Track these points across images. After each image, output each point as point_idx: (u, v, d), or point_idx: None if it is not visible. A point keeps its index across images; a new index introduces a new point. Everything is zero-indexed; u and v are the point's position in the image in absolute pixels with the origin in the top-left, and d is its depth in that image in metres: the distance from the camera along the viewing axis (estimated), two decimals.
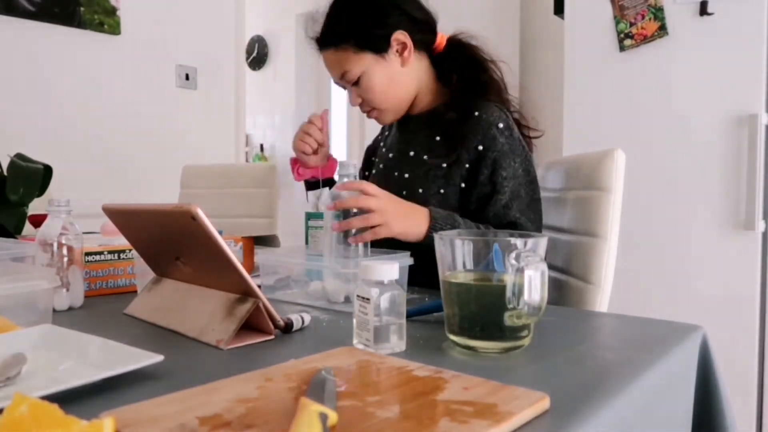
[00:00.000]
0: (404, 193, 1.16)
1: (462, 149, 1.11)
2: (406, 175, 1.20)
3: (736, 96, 1.76)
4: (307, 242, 1.16)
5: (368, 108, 1.21)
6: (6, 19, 2.38)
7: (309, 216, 1.16)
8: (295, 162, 1.27)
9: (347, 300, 0.90)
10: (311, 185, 1.30)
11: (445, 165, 1.13)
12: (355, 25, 1.14)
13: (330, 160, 1.27)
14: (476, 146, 1.11)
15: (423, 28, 1.19)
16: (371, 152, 1.44)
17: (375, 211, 0.95)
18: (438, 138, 1.17)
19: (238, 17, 3.23)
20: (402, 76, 1.18)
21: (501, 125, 1.11)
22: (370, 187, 0.97)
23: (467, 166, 1.11)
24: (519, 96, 1.25)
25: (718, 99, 1.79)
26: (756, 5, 1.73)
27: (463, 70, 1.19)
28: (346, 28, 1.15)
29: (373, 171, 1.34)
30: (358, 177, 1.03)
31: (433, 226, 1.00)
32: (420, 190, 1.15)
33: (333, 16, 1.17)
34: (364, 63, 1.14)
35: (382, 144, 1.37)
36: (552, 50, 2.64)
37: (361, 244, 0.97)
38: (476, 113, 1.12)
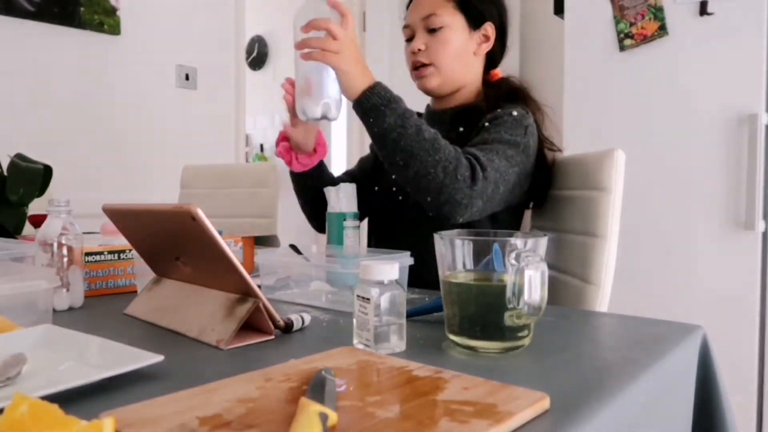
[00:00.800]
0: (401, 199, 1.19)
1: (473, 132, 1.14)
2: (400, 197, 1.21)
3: (736, 96, 1.76)
4: (334, 242, 1.15)
5: (426, 60, 1.20)
6: (6, 19, 2.38)
7: (343, 216, 1.15)
8: (288, 151, 1.23)
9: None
10: (296, 176, 1.27)
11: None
12: None
13: (320, 146, 1.25)
14: (483, 124, 1.12)
15: (502, 40, 1.25)
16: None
17: (338, 39, 0.96)
18: (461, 129, 1.19)
19: (238, 17, 3.23)
20: (469, 59, 1.21)
21: (515, 113, 1.12)
22: (338, 28, 0.98)
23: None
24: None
25: (718, 99, 1.79)
26: (756, 5, 1.73)
27: (510, 91, 1.23)
28: None
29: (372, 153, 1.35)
30: None
31: (371, 91, 0.99)
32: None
33: None
34: (454, 21, 1.18)
35: None
36: (552, 50, 2.64)
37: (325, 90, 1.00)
38: (499, 110, 1.14)
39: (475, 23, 1.20)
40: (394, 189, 1.25)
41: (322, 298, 0.92)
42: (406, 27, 1.23)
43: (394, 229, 1.26)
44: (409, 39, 1.23)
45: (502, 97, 1.20)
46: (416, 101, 1.26)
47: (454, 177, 0.97)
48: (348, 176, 1.38)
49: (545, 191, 1.25)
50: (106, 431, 0.39)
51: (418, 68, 1.22)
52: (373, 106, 0.99)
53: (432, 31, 1.18)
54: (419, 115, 1.37)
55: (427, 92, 1.26)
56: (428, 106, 1.33)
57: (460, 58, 1.20)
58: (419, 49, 1.20)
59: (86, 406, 0.48)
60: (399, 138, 0.97)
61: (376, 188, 1.31)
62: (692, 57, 1.83)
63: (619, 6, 1.96)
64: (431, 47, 1.19)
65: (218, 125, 3.16)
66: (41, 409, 0.40)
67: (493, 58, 1.26)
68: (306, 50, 0.98)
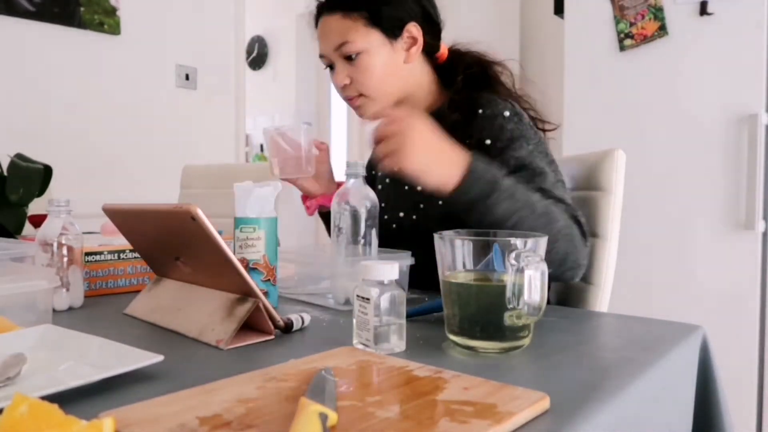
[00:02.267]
0: (422, 206, 1.10)
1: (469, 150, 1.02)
2: (419, 188, 1.07)
3: (736, 96, 1.76)
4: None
5: (354, 93, 1.09)
6: (6, 19, 2.38)
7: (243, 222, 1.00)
8: (304, 197, 1.18)
9: (348, 302, 0.90)
10: (326, 216, 1.18)
11: None
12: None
13: (337, 185, 1.16)
14: (483, 141, 1.01)
15: (434, 30, 1.12)
16: (373, 165, 1.31)
17: (394, 135, 0.81)
18: None
19: (238, 17, 3.23)
20: (402, 71, 1.09)
21: (507, 113, 1.02)
22: (398, 112, 0.86)
23: None
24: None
25: (718, 99, 1.79)
26: (756, 5, 1.73)
27: (467, 69, 1.11)
28: None
29: (379, 186, 1.24)
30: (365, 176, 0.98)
31: (468, 180, 0.82)
32: (440, 202, 1.03)
33: None
34: (370, 41, 1.05)
35: (379, 186, 1.26)
36: (552, 50, 2.64)
37: (374, 245, 0.93)
38: (480, 111, 1.03)
39: (393, 32, 1.06)
40: (394, 226, 1.17)
41: (341, 299, 0.91)
42: (321, 56, 1.12)
43: (401, 224, 1.18)
44: (329, 65, 1.12)
45: (463, 86, 1.09)
46: None
47: (575, 245, 0.89)
48: None
49: None
50: (106, 431, 0.39)
51: (350, 99, 1.11)
52: (474, 200, 0.83)
53: (349, 58, 1.06)
54: None
55: (370, 119, 1.12)
56: None
57: (390, 76, 1.08)
58: (344, 84, 1.08)
59: (86, 406, 0.48)
60: (514, 226, 0.84)
61: (382, 205, 1.21)
62: (692, 57, 1.84)
63: (619, 6, 1.96)
64: (355, 78, 1.07)
65: (218, 125, 3.16)
66: (41, 409, 0.40)
67: (430, 47, 1.12)
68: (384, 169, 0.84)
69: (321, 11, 1.10)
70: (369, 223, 0.94)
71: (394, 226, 1.18)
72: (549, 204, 0.89)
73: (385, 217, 1.18)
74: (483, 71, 1.12)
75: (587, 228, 0.94)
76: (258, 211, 0.95)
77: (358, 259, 0.91)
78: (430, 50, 1.12)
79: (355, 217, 0.94)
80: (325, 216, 1.18)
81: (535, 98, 1.13)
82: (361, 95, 1.09)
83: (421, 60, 1.12)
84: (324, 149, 1.15)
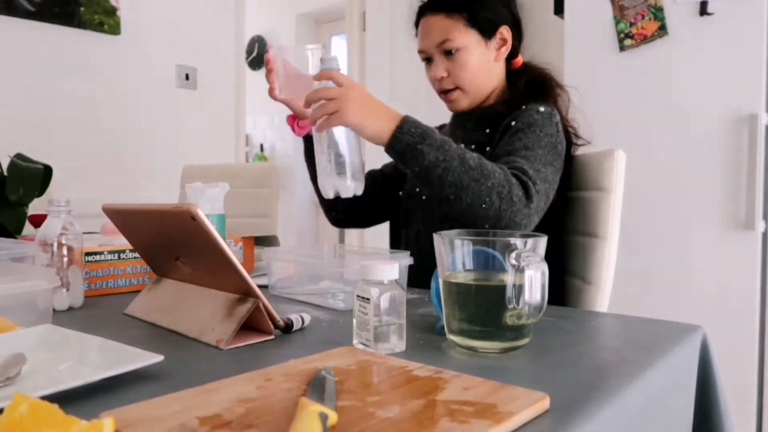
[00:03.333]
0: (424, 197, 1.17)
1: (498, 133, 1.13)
2: (424, 197, 1.20)
3: (736, 96, 1.76)
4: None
5: (451, 86, 1.19)
6: (6, 19, 2.39)
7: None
8: (293, 118, 1.18)
9: (337, 195, 0.94)
10: (311, 141, 1.21)
11: (488, 149, 1.14)
12: (478, 2, 1.17)
13: None
14: (510, 123, 1.11)
15: (519, 36, 1.24)
16: None
17: (335, 98, 0.91)
18: (488, 131, 1.18)
19: (238, 17, 3.24)
20: (492, 68, 1.20)
21: (542, 109, 1.11)
22: (341, 77, 0.94)
23: (497, 142, 1.11)
24: None
25: (718, 99, 1.79)
26: (756, 5, 1.73)
27: (532, 81, 1.21)
28: (467, 1, 1.17)
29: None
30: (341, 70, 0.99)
31: (400, 131, 0.93)
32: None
33: None
34: (468, 39, 1.16)
35: None
36: (552, 50, 2.64)
37: (348, 168, 0.96)
38: (523, 107, 1.13)
39: (489, 33, 1.18)
40: (417, 189, 1.24)
41: (327, 298, 0.92)
42: (421, 51, 1.22)
43: (418, 232, 1.23)
44: (426, 59, 1.22)
45: (524, 89, 1.20)
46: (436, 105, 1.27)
47: (510, 200, 0.93)
48: (369, 175, 1.34)
49: (565, 191, 1.19)
50: (106, 431, 0.39)
51: (445, 92, 1.21)
52: (406, 147, 0.93)
53: (449, 53, 1.17)
54: (439, 128, 1.35)
55: (460, 112, 1.25)
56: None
57: (483, 73, 1.19)
58: (442, 77, 1.19)
59: (86, 406, 0.48)
60: (444, 173, 0.92)
61: (400, 193, 1.31)
62: (692, 57, 1.84)
63: (619, 6, 1.96)
64: (452, 72, 1.18)
65: (218, 125, 3.16)
66: (41, 409, 0.40)
67: (513, 51, 1.24)
68: (315, 124, 0.95)
69: (424, 11, 1.21)
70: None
71: (417, 189, 1.24)
72: (486, 162, 0.95)
73: (417, 190, 1.25)
74: (543, 84, 1.21)
75: (537, 191, 0.97)
76: (209, 209, 1.09)
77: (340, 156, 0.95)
78: (511, 54, 1.24)
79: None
80: (310, 140, 1.20)
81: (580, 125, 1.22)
82: (456, 88, 1.19)
83: (502, 61, 1.23)
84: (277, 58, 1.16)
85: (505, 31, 1.20)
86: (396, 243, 1.34)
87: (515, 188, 0.94)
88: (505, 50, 1.20)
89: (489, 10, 1.18)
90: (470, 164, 0.93)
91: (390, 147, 0.94)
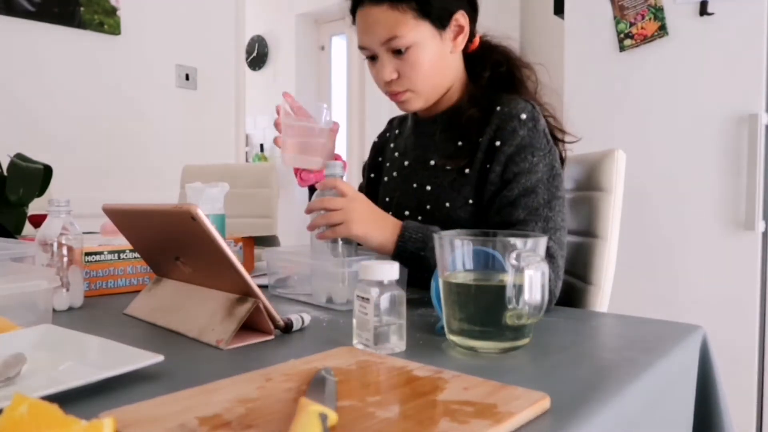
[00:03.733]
0: (428, 207, 1.07)
1: (478, 150, 1.02)
2: (428, 188, 1.08)
3: (736, 96, 1.76)
4: None
5: (401, 88, 1.04)
6: (6, 19, 2.38)
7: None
8: (297, 168, 1.14)
9: (330, 300, 0.91)
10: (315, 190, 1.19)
11: (468, 171, 1.03)
12: None
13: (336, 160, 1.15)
14: (494, 142, 1.00)
15: (474, 18, 1.08)
16: (378, 150, 1.29)
17: (339, 209, 0.91)
18: (460, 143, 1.05)
19: (238, 17, 3.23)
20: (448, 62, 1.05)
21: (524, 116, 0.99)
22: (344, 186, 0.93)
23: (480, 163, 1.01)
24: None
25: (718, 99, 1.79)
26: (756, 5, 1.73)
27: (495, 67, 1.09)
28: None
29: (385, 178, 1.21)
30: (344, 177, 0.98)
31: (402, 241, 0.93)
32: (447, 204, 1.04)
33: None
34: (420, 33, 0.99)
35: (392, 145, 1.23)
36: (552, 50, 2.64)
37: (343, 245, 0.95)
38: (498, 108, 1.01)
39: (443, 23, 1.02)
40: (415, 203, 1.13)
41: (322, 299, 0.92)
42: (362, 47, 1.05)
43: None
44: (370, 57, 1.06)
45: (488, 81, 1.08)
46: None
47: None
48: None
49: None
50: (106, 431, 0.39)
51: (394, 93, 1.06)
52: (411, 255, 0.93)
53: (397, 51, 1.00)
54: (402, 120, 1.26)
55: (422, 116, 1.14)
56: (414, 114, 1.18)
57: (438, 69, 1.04)
58: (391, 79, 1.03)
59: (86, 406, 0.48)
60: None
61: (387, 200, 1.20)
62: (692, 57, 1.84)
63: (619, 6, 1.96)
64: (403, 72, 1.02)
65: (218, 125, 3.16)
66: (41, 409, 0.40)
67: (470, 35, 1.08)
68: (316, 232, 0.95)
69: (362, 1, 1.02)
70: None
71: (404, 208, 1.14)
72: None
73: (390, 213, 1.13)
74: (510, 71, 1.09)
75: (561, 260, 0.95)
76: (209, 209, 1.08)
77: (338, 260, 0.93)
78: (469, 37, 1.08)
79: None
80: (314, 190, 1.16)
81: (554, 106, 1.11)
82: (407, 90, 1.04)
83: (459, 52, 1.09)
84: (335, 129, 1.13)
85: (461, 17, 1.03)
86: None
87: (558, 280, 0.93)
88: (463, 39, 1.04)
89: None
90: None
91: (396, 257, 0.93)
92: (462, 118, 1.05)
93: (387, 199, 1.18)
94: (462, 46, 1.06)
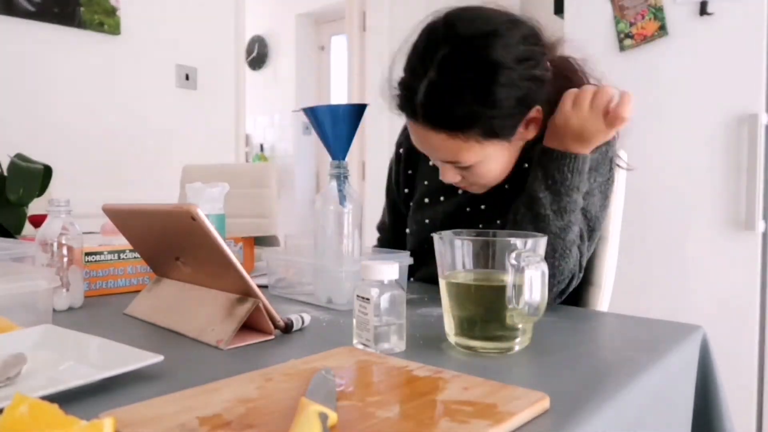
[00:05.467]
0: (480, 226, 1.02)
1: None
2: (483, 207, 1.03)
3: (736, 96, 1.76)
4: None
5: (467, 185, 0.98)
6: (6, 19, 2.39)
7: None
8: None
9: (330, 300, 0.91)
10: None
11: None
12: (493, 110, 0.83)
13: None
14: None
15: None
16: (409, 162, 1.18)
17: (611, 97, 0.86)
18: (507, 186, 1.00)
19: (238, 17, 3.23)
20: (517, 152, 0.95)
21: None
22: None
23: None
24: None
25: (718, 99, 1.79)
26: (756, 5, 1.73)
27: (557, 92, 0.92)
28: (477, 113, 0.83)
29: (425, 199, 1.11)
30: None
31: (588, 163, 0.88)
32: (498, 221, 1.01)
33: (456, 92, 0.82)
34: (486, 152, 0.88)
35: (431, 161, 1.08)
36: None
37: (356, 245, 0.93)
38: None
39: (512, 132, 0.88)
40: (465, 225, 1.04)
41: (322, 299, 0.92)
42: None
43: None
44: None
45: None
46: None
47: (568, 285, 0.92)
48: (388, 232, 1.25)
49: None
50: (106, 431, 0.39)
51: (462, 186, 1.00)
52: (563, 179, 0.87)
53: (462, 166, 0.91)
54: None
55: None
56: None
57: (509, 165, 0.95)
58: (456, 181, 0.95)
59: (86, 406, 0.48)
60: (565, 228, 0.87)
61: (427, 221, 1.11)
62: (692, 57, 1.84)
63: (619, 6, 1.96)
64: (469, 179, 0.94)
65: (218, 125, 3.16)
66: (41, 409, 0.40)
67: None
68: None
69: (412, 116, 0.88)
70: (352, 222, 0.94)
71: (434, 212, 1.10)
72: (580, 237, 0.92)
73: (441, 198, 1.10)
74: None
75: (573, 284, 0.94)
76: (209, 209, 1.09)
77: (340, 260, 0.92)
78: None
79: (338, 216, 0.93)
80: None
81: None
82: (473, 185, 0.97)
83: None
84: None
85: (536, 113, 0.88)
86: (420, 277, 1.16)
87: (575, 281, 0.93)
88: (535, 126, 0.90)
89: (510, 113, 0.85)
90: (570, 238, 0.89)
91: (561, 160, 0.87)
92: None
93: (427, 221, 1.10)
94: (536, 132, 0.92)
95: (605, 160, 0.99)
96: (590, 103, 0.86)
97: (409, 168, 1.18)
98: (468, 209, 1.06)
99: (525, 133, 0.91)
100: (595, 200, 0.97)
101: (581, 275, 0.95)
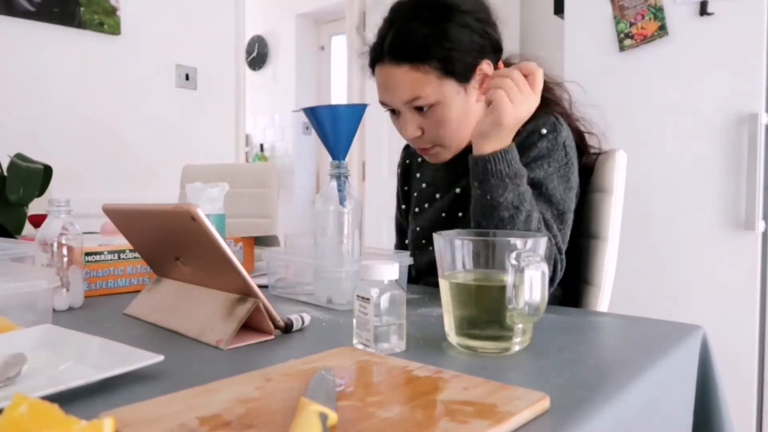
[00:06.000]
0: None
1: None
2: (460, 214, 1.10)
3: (736, 96, 1.76)
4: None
5: (428, 144, 1.03)
6: (6, 19, 2.38)
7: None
8: None
9: (330, 301, 0.91)
10: None
11: None
12: (449, 43, 0.95)
13: None
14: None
15: (499, 56, 1.04)
16: (404, 179, 1.28)
17: (521, 94, 0.86)
18: None
19: (238, 17, 3.23)
20: (475, 111, 1.01)
21: (545, 130, 1.00)
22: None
23: None
24: None
25: (718, 99, 1.79)
26: (756, 5, 1.73)
27: None
28: (435, 44, 0.94)
29: (416, 209, 1.20)
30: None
31: (504, 156, 0.88)
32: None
33: (418, 27, 0.95)
34: (444, 91, 0.96)
35: (418, 175, 1.22)
36: (552, 50, 2.64)
37: (357, 245, 0.94)
38: (526, 132, 1.00)
39: (468, 75, 0.98)
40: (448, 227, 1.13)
41: (322, 299, 0.92)
42: (382, 103, 1.02)
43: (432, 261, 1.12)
44: (392, 110, 1.03)
45: None
46: None
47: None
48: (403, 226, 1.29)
49: (581, 196, 1.12)
50: (106, 431, 0.39)
51: (423, 148, 1.05)
52: (498, 172, 0.88)
53: (420, 108, 0.98)
54: None
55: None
56: None
57: (464, 121, 1.00)
58: (415, 136, 1.01)
59: (86, 406, 0.48)
60: (508, 220, 0.87)
61: (418, 229, 1.19)
62: (692, 57, 1.83)
63: (619, 6, 1.96)
64: (428, 129, 1.00)
65: (218, 125, 3.16)
66: (41, 409, 0.40)
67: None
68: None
69: (380, 58, 0.99)
70: (352, 223, 0.94)
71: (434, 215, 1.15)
72: (542, 226, 0.92)
73: (422, 242, 1.17)
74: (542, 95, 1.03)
75: (563, 260, 0.97)
76: (209, 209, 1.09)
77: (340, 260, 0.92)
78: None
79: (339, 216, 0.93)
80: None
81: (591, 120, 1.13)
82: (435, 145, 1.03)
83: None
84: None
85: (486, 66, 0.99)
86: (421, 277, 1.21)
87: (560, 265, 0.95)
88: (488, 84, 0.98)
89: (465, 51, 0.96)
90: (530, 226, 0.89)
91: (484, 160, 0.89)
92: None
93: (417, 228, 1.18)
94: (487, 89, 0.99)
95: (556, 147, 1.00)
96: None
97: (405, 185, 1.28)
98: (444, 215, 1.13)
99: (479, 92, 1.00)
100: (556, 184, 0.99)
101: (563, 258, 0.97)
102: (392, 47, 0.96)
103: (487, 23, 1.00)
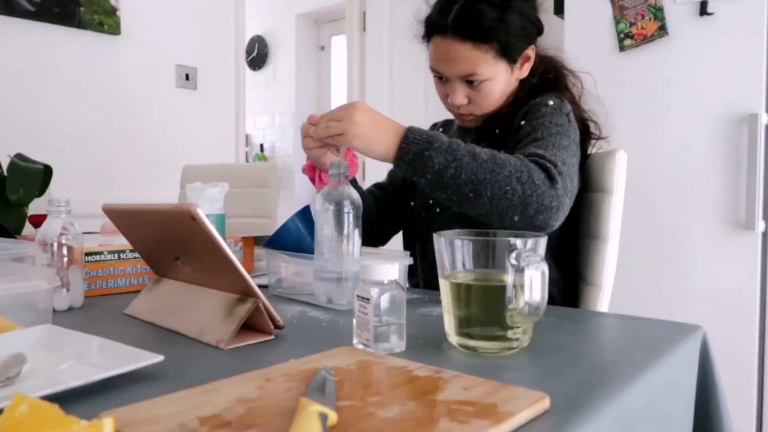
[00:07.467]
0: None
1: (509, 138, 1.08)
2: (438, 209, 1.17)
3: (736, 96, 1.76)
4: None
5: (468, 112, 1.13)
6: (6, 19, 2.39)
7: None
8: (312, 169, 1.13)
9: (330, 301, 0.91)
10: None
11: (501, 151, 1.07)
12: (510, 29, 1.06)
13: (352, 160, 1.11)
14: (519, 122, 1.07)
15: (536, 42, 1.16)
16: None
17: (339, 121, 0.92)
18: (497, 131, 1.13)
19: (238, 17, 3.24)
20: (512, 85, 1.14)
21: (551, 102, 1.07)
22: (340, 109, 0.94)
23: (512, 147, 1.05)
24: None
25: (718, 99, 1.79)
26: (756, 5, 1.73)
27: (543, 74, 1.16)
28: (497, 28, 1.05)
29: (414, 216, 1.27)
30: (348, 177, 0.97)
31: (405, 142, 0.91)
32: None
33: (486, 9, 1.04)
34: (497, 70, 1.08)
35: None
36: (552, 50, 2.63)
37: (357, 245, 0.94)
38: (533, 102, 1.09)
39: (516, 58, 1.10)
40: (431, 201, 1.20)
41: (323, 299, 0.92)
42: (434, 70, 1.11)
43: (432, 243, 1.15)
44: (440, 77, 1.12)
45: (535, 86, 1.14)
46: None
47: (533, 183, 0.89)
48: (378, 189, 1.32)
49: (581, 192, 1.12)
50: (106, 431, 0.39)
51: (461, 114, 1.15)
52: (414, 156, 0.91)
53: (471, 82, 1.08)
54: (446, 124, 1.33)
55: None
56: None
57: (503, 95, 1.12)
58: (461, 104, 1.11)
59: (86, 406, 0.48)
60: (457, 172, 0.89)
61: (412, 203, 1.26)
62: (692, 57, 1.83)
63: (619, 6, 1.96)
64: (474, 100, 1.10)
65: (218, 125, 3.16)
66: (41, 409, 0.40)
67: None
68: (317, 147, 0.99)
69: (442, 30, 1.06)
70: (352, 223, 0.94)
71: (431, 201, 1.20)
72: (498, 153, 0.92)
73: (437, 211, 1.19)
74: (556, 78, 1.16)
75: (560, 172, 0.93)
76: (209, 209, 1.09)
77: (340, 260, 0.92)
78: None
79: (338, 217, 0.93)
80: None
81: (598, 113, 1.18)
82: (472, 114, 1.13)
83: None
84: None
85: (530, 51, 1.12)
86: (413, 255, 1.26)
87: (535, 171, 0.90)
88: (528, 66, 1.14)
89: (520, 36, 1.08)
90: (482, 158, 0.90)
91: (399, 159, 0.92)
92: (501, 114, 1.13)
93: (431, 201, 1.21)
94: (528, 72, 1.14)
95: (560, 114, 1.05)
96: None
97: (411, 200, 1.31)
98: (423, 213, 1.20)
99: (520, 71, 1.13)
100: (553, 133, 1.01)
101: (562, 172, 0.93)
102: (459, 24, 1.04)
103: (537, 11, 1.13)
